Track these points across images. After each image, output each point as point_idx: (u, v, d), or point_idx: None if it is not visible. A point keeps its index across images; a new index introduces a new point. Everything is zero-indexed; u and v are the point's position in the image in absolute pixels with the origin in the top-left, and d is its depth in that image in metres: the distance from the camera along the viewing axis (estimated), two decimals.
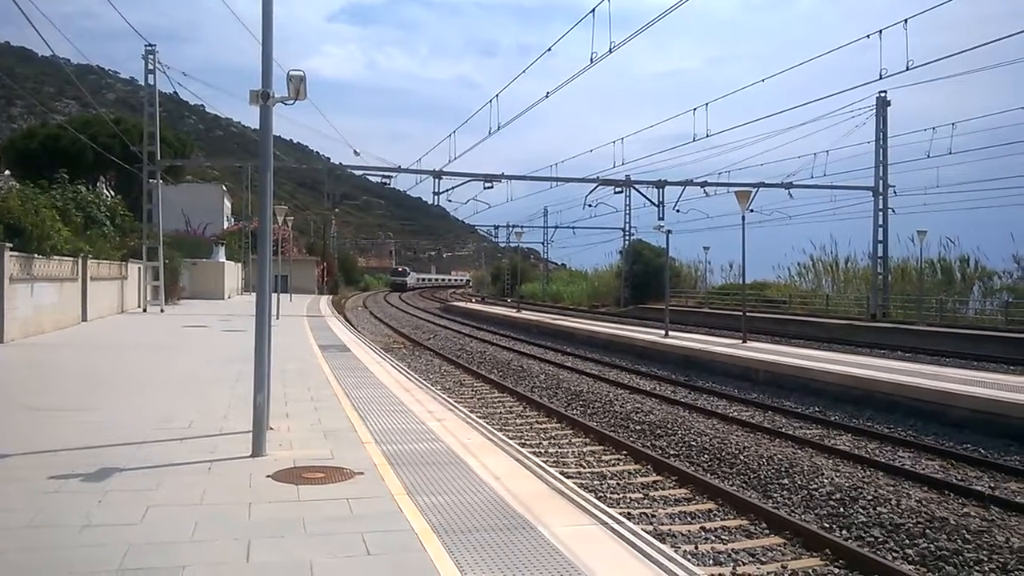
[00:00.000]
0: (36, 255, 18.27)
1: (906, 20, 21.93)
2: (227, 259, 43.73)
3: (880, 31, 22.92)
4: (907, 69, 22.41)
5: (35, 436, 7.62)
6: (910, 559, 6.99)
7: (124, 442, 7.33)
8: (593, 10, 19.81)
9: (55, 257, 19.58)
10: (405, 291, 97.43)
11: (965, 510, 8.23)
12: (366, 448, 7.41)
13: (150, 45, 28.97)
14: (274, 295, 23.63)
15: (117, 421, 8.42)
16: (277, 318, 24.21)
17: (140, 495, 5.64)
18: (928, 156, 33.05)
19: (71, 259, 21.10)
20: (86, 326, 21.57)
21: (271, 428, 7.47)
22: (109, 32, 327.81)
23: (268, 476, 6.28)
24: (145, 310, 29.16)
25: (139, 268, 29.91)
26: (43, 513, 5.21)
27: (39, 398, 10.03)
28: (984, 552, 6.98)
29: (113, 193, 33.46)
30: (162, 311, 28.89)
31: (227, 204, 58.05)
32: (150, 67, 29.02)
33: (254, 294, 7.92)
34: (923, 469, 10.05)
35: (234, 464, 6.68)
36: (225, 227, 53.65)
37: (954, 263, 38.01)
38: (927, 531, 7.46)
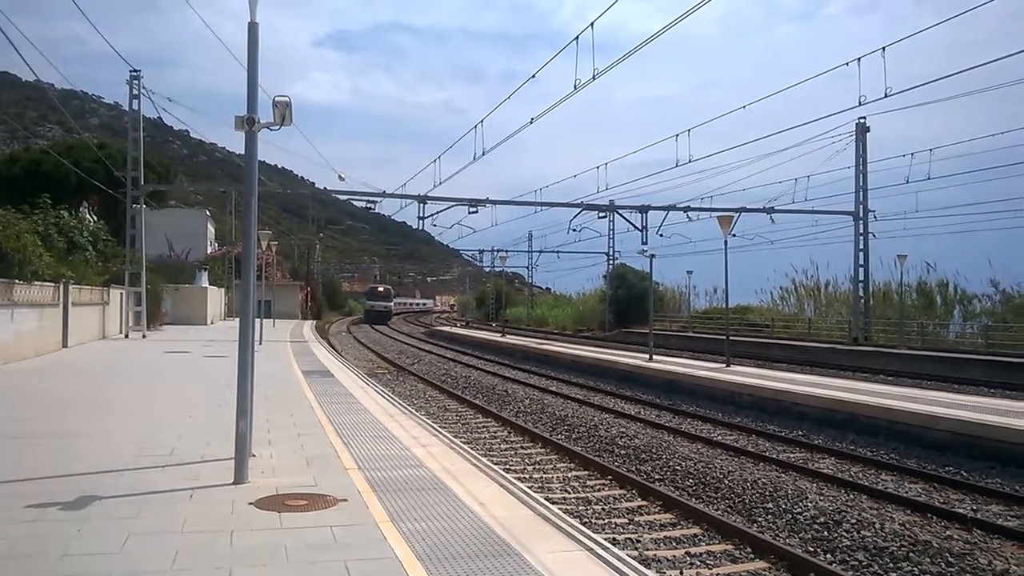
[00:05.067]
0: (17, 280, 18.13)
1: (884, 48, 22.40)
2: (210, 284, 43.50)
3: (859, 59, 23.39)
4: (885, 96, 22.86)
5: (13, 464, 7.53)
6: None
7: (104, 469, 7.25)
8: (576, 37, 20.12)
9: (36, 283, 19.43)
10: (389, 321, 75.48)
11: (948, 533, 8.27)
12: (349, 475, 7.36)
13: (135, 70, 29.04)
14: (257, 320, 23.44)
15: (97, 448, 8.33)
16: (260, 344, 24.03)
17: (120, 523, 5.58)
18: (907, 181, 33.49)
19: (52, 285, 20.94)
20: (67, 352, 21.37)
21: (253, 455, 7.41)
22: (94, 57, 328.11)
23: (250, 503, 6.23)
24: (127, 336, 28.92)
25: (121, 293, 29.68)
26: (20, 543, 5.14)
27: (18, 425, 9.91)
28: (967, 575, 7.01)
29: (96, 218, 33.27)
30: (144, 337, 28.66)
31: (211, 229, 57.85)
32: (135, 92, 29.04)
33: (237, 319, 7.88)
34: (906, 492, 10.09)
35: (216, 491, 6.62)
36: (209, 252, 53.45)
37: (934, 287, 38.38)
38: (911, 554, 7.49)
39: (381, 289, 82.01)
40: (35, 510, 5.88)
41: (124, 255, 30.41)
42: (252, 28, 7.15)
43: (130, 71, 29.01)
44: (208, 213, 59.05)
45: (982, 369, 24.46)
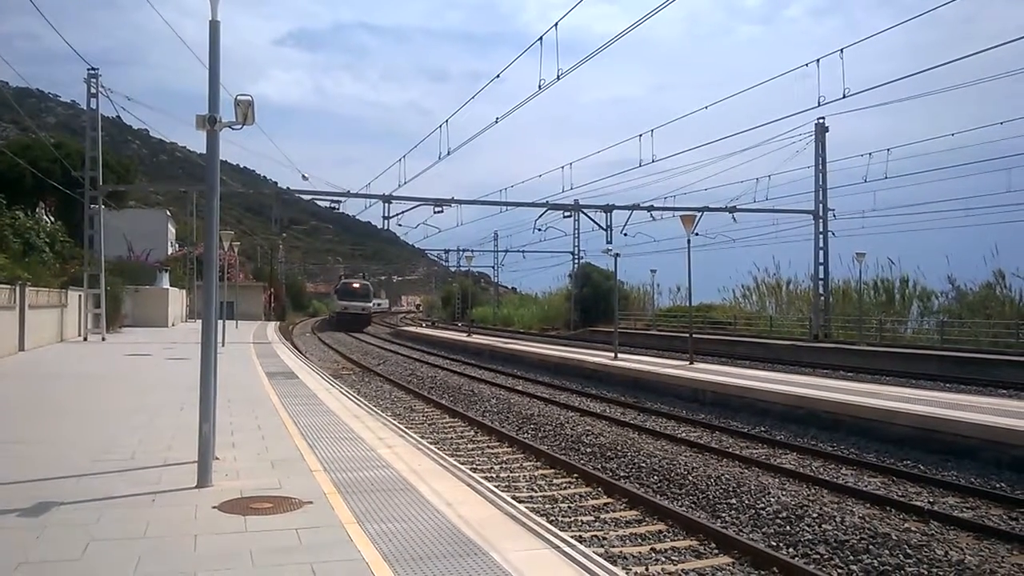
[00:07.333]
0: None
1: (842, 49, 22.76)
2: (171, 286, 42.89)
3: (818, 60, 23.73)
4: (844, 96, 23.22)
5: None
6: (855, 575, 7.13)
7: (64, 475, 7.12)
8: (540, 38, 20.13)
9: None
10: (367, 327, 60.14)
11: (906, 525, 8.44)
12: (315, 476, 7.32)
13: (92, 68, 28.58)
14: (220, 322, 23.23)
15: (56, 453, 8.18)
16: (223, 345, 23.79)
17: (81, 529, 5.49)
18: (865, 180, 34.08)
19: (8, 287, 20.50)
20: (24, 355, 20.93)
21: (217, 458, 7.34)
22: (51, 55, 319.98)
23: (214, 507, 6.16)
24: (86, 339, 28.40)
25: (80, 296, 29.14)
26: None
27: None
28: (924, 566, 7.16)
29: (53, 219, 32.57)
30: (104, 340, 28.17)
31: (171, 230, 57.06)
32: (92, 91, 28.54)
33: (199, 321, 7.79)
34: (866, 486, 10.27)
35: (179, 495, 6.54)
36: (169, 253, 52.70)
37: (893, 284, 39.11)
38: (870, 547, 7.63)
39: (357, 285, 64.08)
40: None
41: (82, 256, 29.85)
42: (213, 26, 7.08)
43: (88, 69, 28.59)
44: (168, 213, 58.23)
45: (938, 364, 24.99)
